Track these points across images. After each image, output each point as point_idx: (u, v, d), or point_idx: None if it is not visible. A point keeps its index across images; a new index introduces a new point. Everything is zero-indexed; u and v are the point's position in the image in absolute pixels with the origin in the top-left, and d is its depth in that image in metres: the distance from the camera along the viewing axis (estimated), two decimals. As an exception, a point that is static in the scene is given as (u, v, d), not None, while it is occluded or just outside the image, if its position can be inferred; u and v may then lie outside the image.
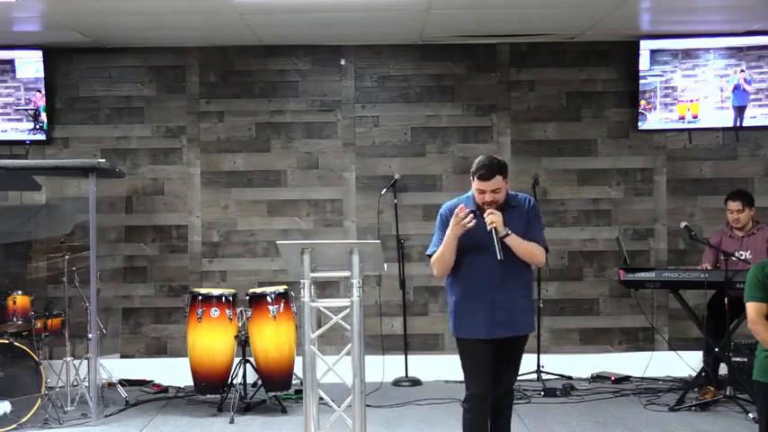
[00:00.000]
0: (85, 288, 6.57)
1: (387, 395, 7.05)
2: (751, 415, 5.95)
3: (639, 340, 7.73)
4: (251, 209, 7.76)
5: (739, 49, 7.54)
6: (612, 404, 6.70)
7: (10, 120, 7.58)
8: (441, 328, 7.58)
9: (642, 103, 7.59)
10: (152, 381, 7.47)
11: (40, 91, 7.55)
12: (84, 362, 6.65)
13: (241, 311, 6.66)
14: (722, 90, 7.57)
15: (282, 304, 6.58)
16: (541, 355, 7.42)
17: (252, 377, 6.73)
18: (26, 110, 7.57)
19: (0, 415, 5.97)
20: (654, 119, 7.61)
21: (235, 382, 6.60)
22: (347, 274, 4.55)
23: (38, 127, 7.60)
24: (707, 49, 7.54)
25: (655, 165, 7.77)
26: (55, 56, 7.64)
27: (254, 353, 6.60)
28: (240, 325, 6.65)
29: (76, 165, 6.77)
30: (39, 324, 6.49)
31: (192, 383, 6.73)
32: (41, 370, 6.15)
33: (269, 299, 6.55)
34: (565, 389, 7.00)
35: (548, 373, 7.41)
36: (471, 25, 7.15)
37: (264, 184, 7.76)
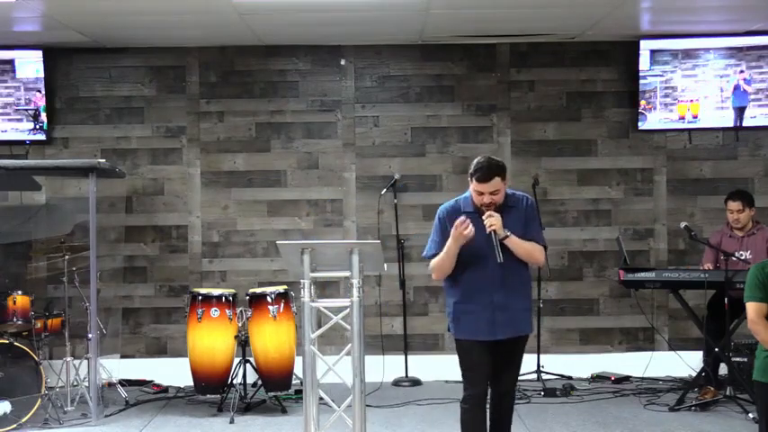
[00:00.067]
0: (85, 288, 6.57)
1: (387, 395, 7.05)
2: (751, 415, 5.95)
3: (639, 340, 7.73)
4: (251, 209, 7.76)
5: (739, 49, 7.54)
6: (612, 404, 6.70)
7: (10, 120, 7.59)
8: (441, 328, 7.57)
9: (642, 103, 7.59)
10: (152, 381, 7.47)
11: (40, 91, 7.55)
12: (84, 362, 6.65)
13: (241, 311, 6.66)
14: (722, 90, 7.57)
15: (282, 304, 6.58)
16: (541, 355, 7.42)
17: (252, 377, 6.73)
18: (26, 110, 7.57)
19: (0, 415, 5.97)
20: (654, 119, 7.61)
21: (235, 382, 6.60)
22: (347, 274, 4.54)
23: (38, 127, 7.60)
24: (707, 49, 7.54)
25: (655, 165, 7.77)
26: (55, 56, 7.64)
27: (254, 353, 6.60)
28: (240, 325, 6.65)
29: (76, 165, 6.78)
30: (39, 324, 6.49)
31: (192, 383, 6.73)
32: (41, 370, 6.15)
33: (269, 299, 6.55)
34: (565, 389, 7.00)
35: (548, 373, 7.41)
36: (471, 25, 7.15)
37: (264, 184, 7.76)
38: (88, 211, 6.44)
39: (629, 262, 6.88)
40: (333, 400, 4.73)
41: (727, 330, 6.48)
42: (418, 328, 7.69)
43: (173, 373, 7.40)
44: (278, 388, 6.56)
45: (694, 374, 6.88)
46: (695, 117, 7.60)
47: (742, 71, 7.53)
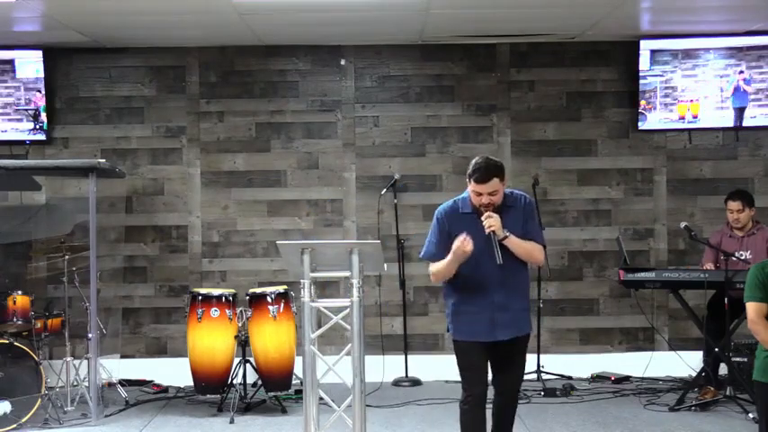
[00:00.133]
0: (85, 288, 6.57)
1: (387, 395, 7.05)
2: (751, 415, 5.95)
3: (639, 340, 7.73)
4: (251, 209, 7.76)
5: (739, 49, 7.54)
6: (612, 404, 6.70)
7: (10, 120, 7.59)
8: (440, 328, 7.57)
9: (642, 103, 7.59)
10: (152, 381, 7.47)
11: (40, 91, 7.55)
12: (84, 362, 6.65)
13: (241, 311, 6.66)
14: (722, 90, 7.57)
15: (282, 304, 6.58)
16: (541, 355, 7.42)
17: (252, 377, 6.73)
18: (26, 110, 7.57)
19: (0, 415, 5.97)
20: (654, 119, 7.61)
21: (235, 382, 6.60)
22: (347, 274, 4.54)
23: (38, 127, 7.60)
24: (707, 49, 7.54)
25: (655, 165, 7.77)
26: (55, 56, 7.64)
27: (254, 353, 6.59)
28: (240, 325, 6.65)
29: (76, 165, 6.78)
30: (39, 324, 6.49)
31: (192, 383, 6.73)
32: (41, 370, 6.15)
33: (269, 299, 6.55)
34: (565, 389, 7.00)
35: (548, 373, 7.41)
36: (471, 25, 7.15)
37: (264, 184, 7.76)
38: (88, 211, 6.44)
39: (629, 262, 6.88)
40: (333, 400, 4.73)
41: (727, 330, 6.47)
42: (418, 328, 7.69)
43: (173, 373, 7.40)
44: (278, 388, 6.56)
45: (694, 374, 6.88)
46: (695, 117, 7.60)
47: (742, 71, 7.53)
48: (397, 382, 7.46)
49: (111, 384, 7.06)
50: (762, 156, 7.78)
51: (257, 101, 7.77)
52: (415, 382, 7.45)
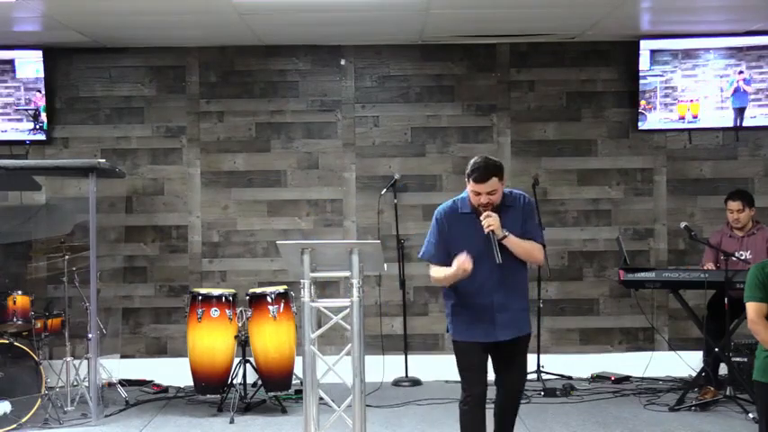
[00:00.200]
0: (85, 288, 6.57)
1: (387, 395, 7.05)
2: (751, 415, 5.95)
3: (639, 340, 7.73)
4: (251, 209, 7.76)
5: (739, 49, 7.54)
6: (612, 404, 6.70)
7: (10, 120, 7.59)
8: (440, 328, 7.57)
9: (642, 103, 7.59)
10: (152, 381, 7.47)
11: (40, 91, 7.55)
12: (84, 362, 6.65)
13: (241, 311, 6.66)
14: (722, 90, 7.57)
15: (282, 304, 6.58)
16: (541, 355, 7.42)
17: (252, 377, 6.73)
18: (26, 110, 7.57)
19: (0, 415, 5.97)
20: (654, 119, 7.61)
21: (235, 382, 6.60)
22: (347, 274, 4.54)
23: (38, 127, 7.60)
24: (707, 49, 7.54)
25: (655, 165, 7.77)
26: (55, 56, 7.64)
27: (254, 353, 6.59)
28: (240, 325, 6.65)
29: (76, 165, 6.78)
30: (39, 324, 6.49)
31: (192, 383, 6.73)
32: (41, 370, 6.15)
33: (269, 299, 6.55)
34: (565, 389, 7.00)
35: (548, 373, 7.41)
36: (471, 25, 7.15)
37: (264, 184, 7.76)
38: (88, 211, 6.44)
39: (629, 262, 6.88)
40: (333, 400, 4.73)
41: (727, 330, 6.47)
42: (418, 328, 7.69)
43: (173, 373, 7.40)
44: (278, 388, 6.56)
45: (694, 374, 6.88)
46: (695, 117, 7.60)
47: (742, 71, 7.53)
48: (397, 382, 7.46)
49: (111, 384, 7.06)
50: (762, 156, 7.78)
51: (257, 101, 7.77)
52: (415, 382, 7.45)
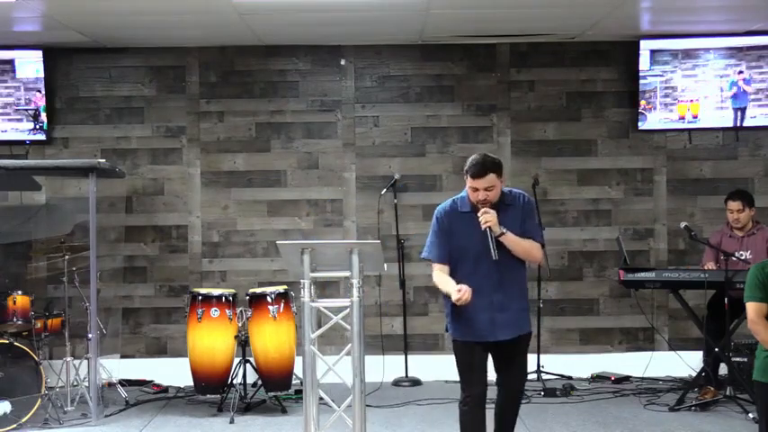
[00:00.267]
0: (85, 288, 6.57)
1: (387, 395, 7.05)
2: (751, 415, 5.95)
3: (639, 340, 7.73)
4: (251, 209, 7.76)
5: (739, 49, 7.54)
6: (612, 404, 6.70)
7: (10, 120, 7.59)
8: (440, 328, 7.56)
9: (642, 103, 7.59)
10: (152, 381, 7.47)
11: (40, 91, 7.55)
12: (84, 362, 6.65)
13: (241, 311, 6.66)
14: (722, 90, 7.57)
15: (282, 304, 6.58)
16: (541, 355, 7.42)
17: (252, 377, 6.73)
18: (26, 110, 7.57)
19: (0, 415, 5.97)
20: (654, 119, 7.61)
21: (235, 382, 6.60)
22: (347, 274, 4.54)
23: (38, 127, 7.60)
24: (707, 49, 7.54)
25: (655, 165, 7.77)
26: (55, 56, 7.64)
27: (254, 353, 6.59)
28: (240, 325, 6.65)
29: (76, 165, 6.78)
30: (39, 324, 6.49)
31: (192, 383, 6.73)
32: (41, 370, 6.15)
33: (269, 299, 6.55)
34: (565, 389, 7.00)
35: (548, 373, 7.41)
36: (471, 25, 7.15)
37: (264, 184, 7.76)
38: (88, 211, 6.44)
39: (629, 262, 6.88)
40: (333, 400, 4.73)
41: (727, 330, 6.47)
42: (418, 328, 7.69)
43: (173, 373, 7.40)
44: (278, 388, 6.56)
45: (694, 374, 6.88)
46: (695, 117, 7.60)
47: (740, 72, 7.53)
48: (397, 382, 7.46)
49: (111, 384, 7.06)
50: (762, 156, 7.78)
51: (257, 101, 7.77)
52: (415, 382, 7.45)
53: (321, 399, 4.68)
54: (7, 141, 7.61)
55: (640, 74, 7.56)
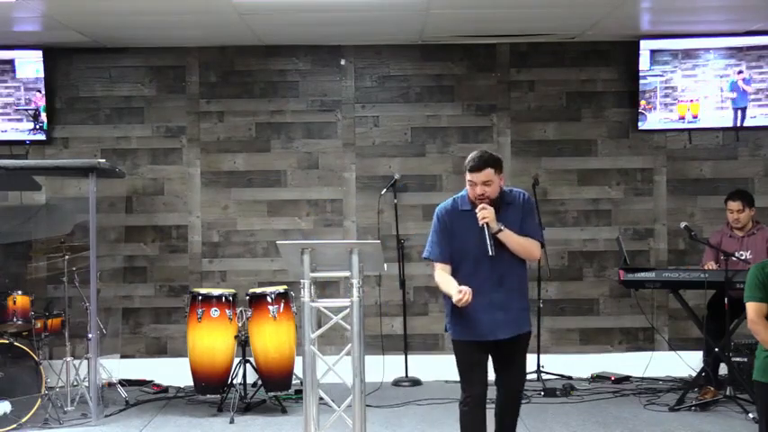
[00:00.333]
0: (85, 288, 6.57)
1: (387, 395, 7.05)
2: (751, 415, 5.95)
3: (639, 340, 7.73)
4: (251, 209, 7.76)
5: (739, 49, 7.54)
6: (612, 404, 6.70)
7: (10, 120, 7.59)
8: (440, 328, 7.53)
9: (642, 103, 7.59)
10: (152, 381, 7.47)
11: (40, 91, 7.55)
12: (84, 362, 6.65)
13: (241, 311, 6.66)
14: (722, 90, 7.57)
15: (282, 304, 6.58)
16: (541, 355, 7.42)
17: (252, 377, 6.73)
18: (26, 110, 7.57)
19: (0, 415, 5.97)
20: (654, 119, 7.61)
21: (235, 382, 6.60)
22: (347, 274, 4.54)
23: (38, 127, 7.60)
24: (707, 49, 7.54)
25: (655, 165, 7.77)
26: (55, 56, 7.64)
27: (254, 353, 6.59)
28: (240, 325, 6.65)
29: (76, 165, 6.78)
30: (39, 324, 6.49)
31: (192, 383, 6.73)
32: (41, 370, 6.15)
33: (269, 299, 6.55)
34: (565, 389, 7.00)
35: (548, 373, 7.41)
36: (471, 25, 7.15)
37: (264, 184, 7.76)
38: (88, 211, 6.44)
39: (629, 262, 6.88)
40: (333, 400, 4.73)
41: (727, 330, 6.47)
42: (418, 328, 7.69)
43: (173, 373, 7.40)
44: (278, 388, 6.56)
45: (694, 374, 6.88)
46: (695, 117, 7.60)
47: (741, 71, 7.53)
48: (397, 382, 7.46)
49: (111, 384, 7.06)
50: (762, 156, 7.78)
51: (257, 101, 7.77)
52: (415, 382, 7.45)
53: (321, 399, 4.68)
54: (7, 141, 7.61)
55: (640, 74, 7.56)
